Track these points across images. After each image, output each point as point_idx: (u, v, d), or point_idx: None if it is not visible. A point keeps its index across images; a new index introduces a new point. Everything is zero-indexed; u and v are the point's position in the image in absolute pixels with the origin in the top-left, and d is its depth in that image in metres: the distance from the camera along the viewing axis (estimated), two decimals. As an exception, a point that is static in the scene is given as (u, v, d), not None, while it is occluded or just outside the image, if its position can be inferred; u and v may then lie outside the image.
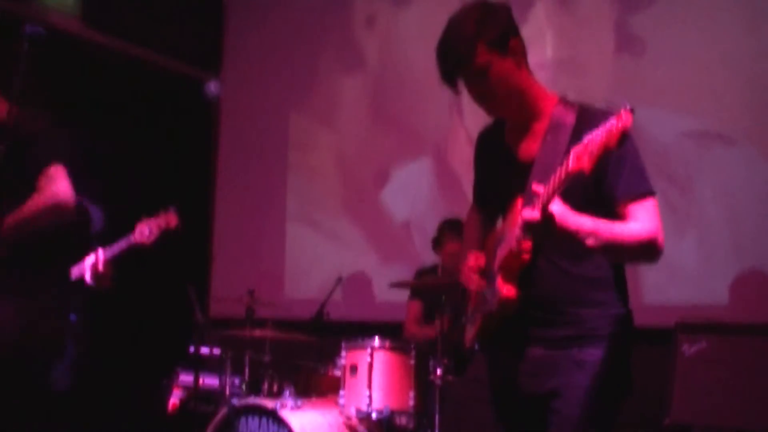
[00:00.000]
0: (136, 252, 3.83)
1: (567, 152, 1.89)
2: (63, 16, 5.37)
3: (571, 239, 1.89)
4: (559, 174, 1.79)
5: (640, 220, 1.99)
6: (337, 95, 5.95)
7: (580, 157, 1.72)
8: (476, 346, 2.24)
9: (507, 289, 2.01)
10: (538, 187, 1.88)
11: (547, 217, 1.85)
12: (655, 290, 4.40)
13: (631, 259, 2.12)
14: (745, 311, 4.20)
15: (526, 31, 2.18)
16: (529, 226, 1.88)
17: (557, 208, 1.86)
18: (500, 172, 2.24)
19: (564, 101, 2.14)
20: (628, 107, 1.67)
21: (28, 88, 2.63)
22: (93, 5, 5.53)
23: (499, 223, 2.26)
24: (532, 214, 1.86)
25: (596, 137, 1.69)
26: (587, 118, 2.03)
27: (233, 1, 6.64)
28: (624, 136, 1.66)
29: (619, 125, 1.66)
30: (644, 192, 2.02)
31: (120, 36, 5.69)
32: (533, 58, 2.19)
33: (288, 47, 6.22)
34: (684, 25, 4.55)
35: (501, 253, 2.06)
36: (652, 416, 3.85)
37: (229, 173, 6.45)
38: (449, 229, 4.39)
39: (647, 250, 1.99)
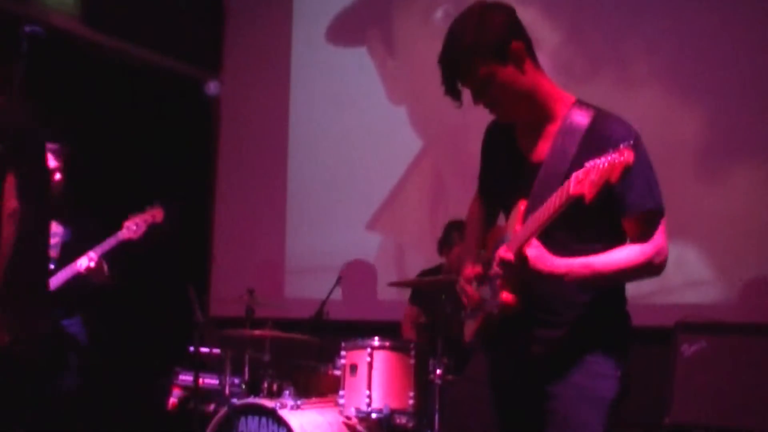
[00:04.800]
0: (135, 251, 3.84)
1: (576, 158, 1.94)
2: (63, 16, 5.37)
3: (546, 279, 1.94)
4: (560, 195, 1.80)
5: (640, 239, 1.98)
6: (337, 94, 5.95)
7: (581, 182, 1.73)
8: (476, 342, 2.24)
9: (506, 295, 2.02)
10: (518, 227, 1.96)
11: (522, 259, 1.91)
12: (655, 290, 4.40)
13: (623, 282, 2.11)
14: (746, 311, 4.20)
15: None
16: (503, 265, 1.94)
17: (532, 251, 1.91)
18: (507, 169, 2.21)
19: (580, 104, 2.10)
20: (630, 142, 1.69)
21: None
22: (93, 5, 5.52)
23: (502, 220, 2.25)
24: (507, 254, 1.93)
25: (598, 166, 1.70)
26: (601, 125, 2.01)
27: (233, 1, 6.64)
28: (625, 173, 1.69)
29: (621, 160, 1.67)
30: (653, 209, 2.00)
31: (120, 36, 5.69)
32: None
33: (288, 47, 6.22)
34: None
35: (501, 250, 2.05)
36: (652, 416, 3.85)
37: (229, 173, 6.45)
38: (456, 230, 4.34)
39: (641, 273, 2.01)
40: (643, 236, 1.99)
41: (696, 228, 4.43)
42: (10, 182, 2.62)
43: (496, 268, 1.99)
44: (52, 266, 3.81)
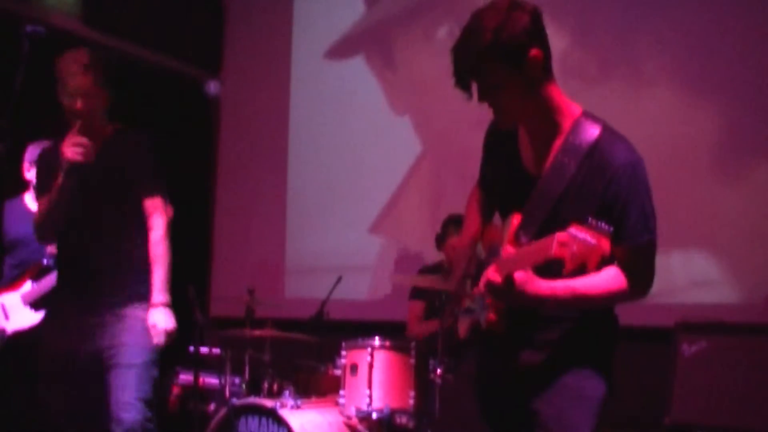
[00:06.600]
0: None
1: (574, 178, 1.95)
2: (63, 16, 5.37)
3: (530, 303, 1.95)
4: (543, 249, 1.79)
5: (629, 267, 1.98)
6: (338, 94, 5.95)
7: (564, 246, 1.73)
8: (468, 340, 2.26)
9: (492, 317, 2.04)
10: (509, 250, 1.97)
11: (509, 284, 1.92)
12: (657, 289, 4.39)
13: (605, 305, 2.10)
14: (748, 312, 4.20)
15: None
16: (490, 288, 1.96)
17: (520, 275, 1.91)
18: (505, 174, 2.18)
19: (586, 117, 2.03)
20: (610, 231, 1.71)
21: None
22: (93, 5, 5.52)
23: (499, 221, 2.25)
24: (495, 277, 1.94)
25: (581, 244, 1.70)
26: (603, 147, 1.97)
27: (233, 1, 6.64)
28: (601, 261, 1.73)
29: (600, 250, 1.70)
30: (646, 242, 1.98)
31: (120, 36, 5.69)
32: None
33: (288, 47, 6.22)
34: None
35: (489, 272, 2.04)
36: (652, 416, 3.85)
37: (229, 173, 6.45)
38: (453, 225, 4.37)
39: (624, 298, 2.01)
40: (632, 265, 1.98)
41: (701, 227, 4.43)
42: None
43: (482, 289, 2.00)
44: (51, 263, 3.83)
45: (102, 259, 2.97)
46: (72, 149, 2.84)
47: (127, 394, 2.86)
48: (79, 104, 2.92)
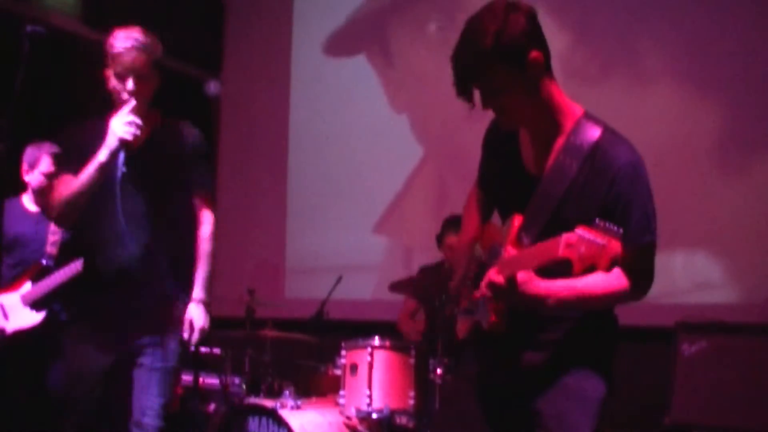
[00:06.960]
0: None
1: (575, 180, 1.95)
2: (63, 16, 5.37)
3: (532, 303, 1.95)
4: (550, 250, 1.79)
5: (630, 268, 1.98)
6: (338, 93, 5.94)
7: (571, 247, 1.73)
8: (468, 341, 2.25)
9: (494, 317, 2.04)
10: (511, 251, 1.97)
11: (512, 285, 1.93)
12: (656, 290, 4.40)
13: (605, 306, 2.10)
14: (749, 312, 4.20)
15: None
16: (492, 288, 1.96)
17: (522, 276, 1.92)
18: (506, 174, 2.17)
19: (587, 118, 2.04)
20: (620, 233, 1.70)
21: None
22: (93, 5, 5.52)
23: (499, 223, 2.25)
24: (497, 278, 1.94)
25: (589, 245, 1.70)
26: (603, 148, 1.97)
27: (233, 1, 6.64)
28: (612, 263, 1.73)
29: (610, 252, 1.70)
30: (648, 243, 1.99)
31: (120, 36, 5.69)
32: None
33: (288, 46, 6.22)
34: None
35: (491, 273, 2.03)
36: (652, 416, 3.85)
37: (229, 173, 6.45)
38: (452, 226, 4.39)
39: (625, 298, 2.02)
40: (633, 265, 1.98)
41: (701, 227, 4.42)
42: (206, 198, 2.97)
43: (484, 290, 2.00)
44: (51, 263, 3.84)
45: (144, 254, 2.77)
46: (124, 127, 2.66)
47: (152, 399, 2.79)
48: (132, 82, 2.76)
